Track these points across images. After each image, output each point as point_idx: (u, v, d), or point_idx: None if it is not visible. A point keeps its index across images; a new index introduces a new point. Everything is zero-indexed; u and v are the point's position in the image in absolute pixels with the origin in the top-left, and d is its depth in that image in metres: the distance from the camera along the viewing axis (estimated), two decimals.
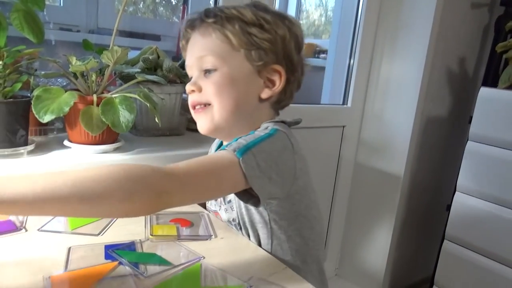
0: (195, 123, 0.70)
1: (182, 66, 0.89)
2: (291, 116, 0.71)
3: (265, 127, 0.64)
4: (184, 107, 0.94)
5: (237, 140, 0.59)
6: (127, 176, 0.45)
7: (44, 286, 0.47)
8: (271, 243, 0.66)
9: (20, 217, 0.64)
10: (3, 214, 0.42)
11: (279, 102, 0.70)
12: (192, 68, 0.68)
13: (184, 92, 0.75)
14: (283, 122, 0.67)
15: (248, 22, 0.63)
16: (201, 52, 0.66)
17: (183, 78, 0.96)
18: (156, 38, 1.37)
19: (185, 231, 0.66)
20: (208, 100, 0.66)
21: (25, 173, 0.44)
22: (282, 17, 0.67)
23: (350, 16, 1.58)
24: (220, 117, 0.66)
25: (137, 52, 0.98)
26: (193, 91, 0.67)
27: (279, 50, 0.65)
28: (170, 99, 0.96)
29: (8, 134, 0.70)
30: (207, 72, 0.66)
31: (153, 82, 0.87)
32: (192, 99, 0.68)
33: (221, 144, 0.77)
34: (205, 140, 0.85)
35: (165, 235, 0.63)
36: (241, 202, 0.64)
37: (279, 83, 0.66)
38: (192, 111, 0.69)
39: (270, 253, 0.64)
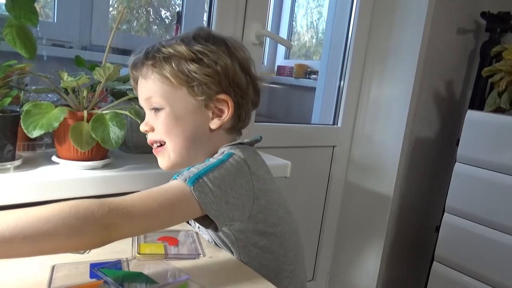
0: None
1: None
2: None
3: (221, 152, 0.66)
4: None
5: (189, 169, 0.60)
6: (73, 212, 0.46)
7: None
8: (241, 260, 0.67)
9: None
10: None
11: (234, 127, 0.71)
12: (144, 108, 0.71)
13: None
14: (241, 143, 0.68)
15: (185, 59, 0.64)
16: (146, 94, 0.68)
17: None
18: None
19: (173, 249, 0.65)
20: (162, 138, 0.68)
21: None
22: (222, 45, 0.67)
23: (341, 39, 1.61)
24: (174, 155, 0.68)
25: None
26: (146, 131, 0.70)
27: (222, 80, 0.65)
28: None
29: None
30: (156, 110, 0.68)
31: None
32: (148, 138, 0.71)
33: None
34: None
35: (152, 254, 0.62)
36: None
37: (227, 112, 0.67)
38: (153, 149, 0.72)
39: None
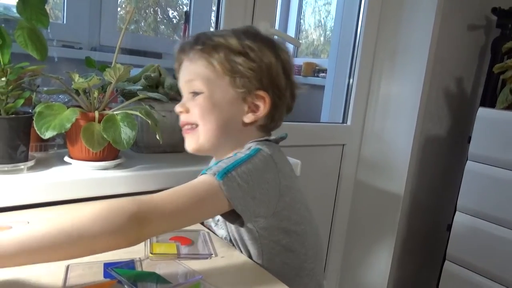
0: None
1: None
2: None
3: (248, 147, 0.66)
4: None
5: (217, 163, 0.61)
6: (108, 211, 0.48)
7: None
8: (262, 257, 0.67)
9: None
10: None
11: (266, 126, 0.71)
12: (183, 90, 0.72)
13: None
14: (267, 140, 0.69)
15: (234, 51, 0.66)
16: (189, 76, 0.69)
17: None
18: (157, 56, 1.39)
19: (185, 249, 0.65)
20: (196, 121, 0.69)
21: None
22: (269, 44, 0.69)
23: (349, 36, 1.60)
24: (204, 139, 0.69)
25: (139, 70, 0.98)
26: (181, 112, 0.71)
27: (264, 77, 0.67)
28: (171, 116, 0.96)
29: (8, 150, 0.70)
30: (194, 94, 0.69)
31: (155, 99, 0.87)
32: (181, 119, 0.72)
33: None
34: (206, 157, 0.85)
35: (165, 254, 0.62)
36: None
37: (263, 109, 0.68)
38: (182, 130, 0.73)
39: (262, 266, 0.65)
